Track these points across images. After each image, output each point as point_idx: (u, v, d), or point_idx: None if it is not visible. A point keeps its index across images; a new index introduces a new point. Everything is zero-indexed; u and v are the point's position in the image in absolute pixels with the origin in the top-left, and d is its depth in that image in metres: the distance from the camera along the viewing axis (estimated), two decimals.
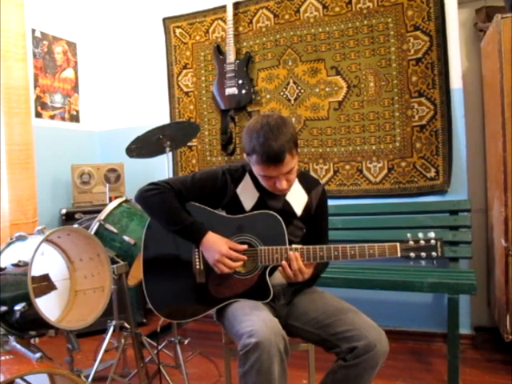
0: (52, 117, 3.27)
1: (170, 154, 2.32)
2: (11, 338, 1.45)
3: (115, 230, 1.93)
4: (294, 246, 1.46)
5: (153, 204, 1.52)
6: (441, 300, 2.61)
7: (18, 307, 1.39)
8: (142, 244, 1.61)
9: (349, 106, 2.77)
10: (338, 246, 1.43)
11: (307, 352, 1.65)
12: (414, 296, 2.62)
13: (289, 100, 2.93)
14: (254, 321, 1.29)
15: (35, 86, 3.13)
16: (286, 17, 2.90)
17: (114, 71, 3.58)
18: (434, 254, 1.39)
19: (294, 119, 2.91)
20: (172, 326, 2.30)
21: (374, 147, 2.72)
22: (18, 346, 1.41)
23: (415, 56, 2.59)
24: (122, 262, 1.92)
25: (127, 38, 3.50)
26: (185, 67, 3.25)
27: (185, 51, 3.24)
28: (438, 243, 1.39)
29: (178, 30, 3.26)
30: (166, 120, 3.27)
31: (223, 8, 3.01)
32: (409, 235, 1.42)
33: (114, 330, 2.16)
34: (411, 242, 1.40)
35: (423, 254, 1.39)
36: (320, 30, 2.81)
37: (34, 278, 1.49)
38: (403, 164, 2.66)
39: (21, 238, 1.60)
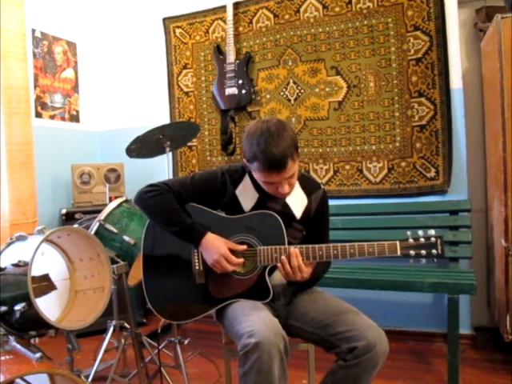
0: (52, 117, 3.27)
1: (170, 154, 2.32)
2: (11, 338, 1.45)
3: (115, 230, 1.93)
4: (293, 246, 1.46)
5: (152, 206, 1.52)
6: (441, 300, 2.61)
7: (18, 307, 1.39)
8: (142, 245, 1.61)
9: (349, 106, 2.77)
10: (337, 244, 1.42)
11: (307, 352, 1.65)
12: (414, 296, 2.62)
13: (289, 100, 2.93)
14: (254, 321, 1.29)
15: (35, 86, 3.13)
16: (286, 17, 2.90)
17: (114, 71, 3.58)
18: (434, 251, 1.38)
19: (293, 119, 2.91)
20: (172, 326, 2.30)
21: (374, 147, 2.72)
22: (18, 346, 1.41)
23: (415, 56, 2.59)
24: (121, 262, 1.92)
25: (127, 37, 3.50)
26: (185, 67, 3.25)
27: (185, 51, 3.24)
28: (438, 241, 1.38)
29: (177, 30, 3.26)
30: (166, 120, 3.27)
31: (223, 8, 3.01)
32: (408, 233, 1.41)
33: (114, 330, 2.16)
34: (411, 240, 1.39)
35: (423, 252, 1.38)
36: (320, 30, 2.81)
37: (33, 278, 1.49)
38: (403, 164, 2.66)
39: (21, 238, 1.60)
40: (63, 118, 3.37)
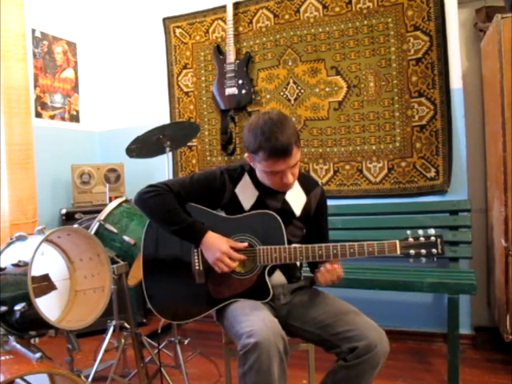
0: (52, 117, 3.27)
1: (170, 154, 2.32)
2: (11, 338, 1.45)
3: (115, 230, 1.93)
4: (293, 245, 1.46)
5: (152, 206, 1.52)
6: (441, 300, 2.61)
7: (18, 307, 1.39)
8: (142, 246, 1.61)
9: (349, 106, 2.77)
10: (337, 244, 1.43)
11: (307, 352, 1.65)
12: (414, 296, 2.62)
13: (289, 100, 2.93)
14: (254, 321, 1.29)
15: (35, 86, 3.12)
16: (286, 17, 2.90)
17: (114, 71, 3.58)
18: (434, 250, 1.38)
19: (294, 119, 2.91)
20: (172, 326, 2.30)
21: (374, 147, 2.72)
22: (18, 346, 1.41)
23: (415, 56, 2.59)
24: (121, 262, 1.92)
25: (127, 37, 3.50)
26: (185, 67, 3.25)
27: (185, 51, 3.24)
28: (438, 240, 1.38)
29: (177, 30, 3.26)
30: (166, 120, 3.27)
31: (223, 8, 3.01)
32: (408, 232, 1.41)
33: (114, 330, 2.16)
34: (411, 239, 1.39)
35: (423, 251, 1.38)
36: (320, 30, 2.81)
37: (34, 278, 1.49)
38: (403, 164, 2.66)
39: (21, 238, 1.60)
40: (63, 118, 3.36)
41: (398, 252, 1.39)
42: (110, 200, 2.89)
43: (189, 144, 3.17)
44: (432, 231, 1.39)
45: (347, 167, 2.80)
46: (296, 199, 1.57)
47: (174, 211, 1.49)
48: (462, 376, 2.02)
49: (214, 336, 2.74)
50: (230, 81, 2.99)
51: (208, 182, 1.54)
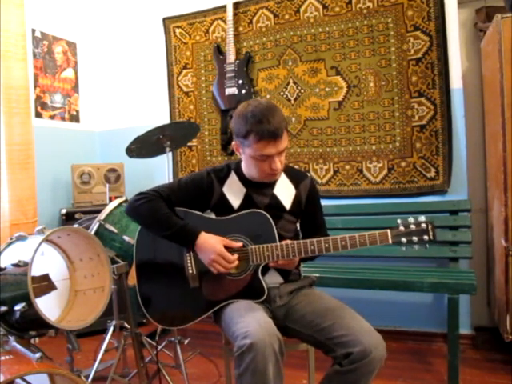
0: (52, 117, 3.27)
1: (170, 153, 2.32)
2: (11, 338, 1.45)
3: (115, 230, 1.93)
4: (284, 242, 1.46)
5: (143, 212, 1.52)
6: (441, 300, 2.61)
7: (18, 307, 1.39)
8: (134, 254, 1.60)
9: (349, 106, 2.77)
10: (329, 238, 1.43)
11: (307, 352, 1.65)
12: (414, 296, 2.62)
13: (289, 100, 2.93)
14: (249, 322, 1.28)
15: (35, 86, 3.13)
16: (286, 17, 2.90)
17: (114, 71, 3.58)
18: (425, 237, 1.37)
19: (293, 119, 2.91)
20: None
21: (374, 147, 2.72)
22: (18, 346, 1.41)
23: (415, 56, 2.59)
24: (121, 262, 1.91)
25: (127, 38, 3.50)
26: (185, 67, 3.25)
27: (185, 51, 3.24)
28: (429, 226, 1.38)
29: (177, 30, 3.26)
30: (166, 120, 3.27)
31: (223, 8, 3.01)
32: (399, 221, 1.40)
33: (114, 330, 2.16)
34: (402, 228, 1.39)
35: (415, 239, 1.37)
36: (320, 29, 2.81)
37: (34, 278, 1.49)
38: (403, 164, 2.66)
39: (21, 238, 1.60)
40: (63, 118, 3.36)
41: (390, 241, 1.38)
42: (110, 200, 2.89)
43: (189, 144, 3.17)
44: (422, 218, 1.39)
45: (347, 167, 2.80)
46: (285, 192, 1.57)
47: (165, 215, 1.49)
48: (462, 376, 2.02)
49: (213, 336, 2.73)
50: (229, 81, 2.99)
51: (196, 184, 1.55)
